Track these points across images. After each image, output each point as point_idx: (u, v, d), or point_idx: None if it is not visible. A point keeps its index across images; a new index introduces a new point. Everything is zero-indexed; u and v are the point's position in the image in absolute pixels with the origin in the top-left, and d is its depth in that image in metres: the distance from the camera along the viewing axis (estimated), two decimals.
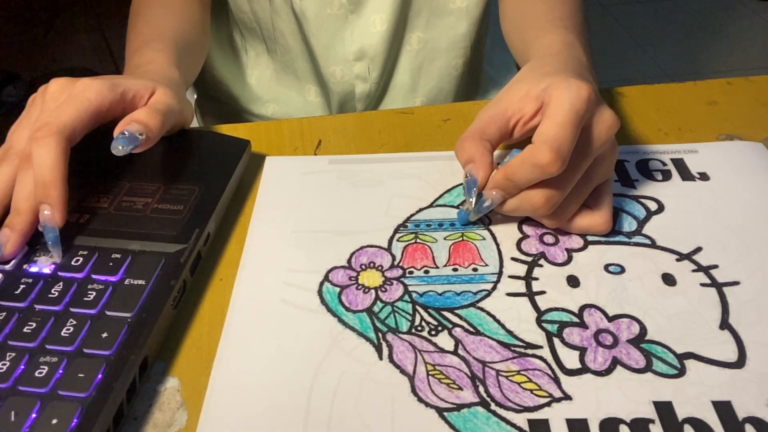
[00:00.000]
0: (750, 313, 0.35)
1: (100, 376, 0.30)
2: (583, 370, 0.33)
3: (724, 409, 0.31)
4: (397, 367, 0.33)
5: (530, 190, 0.36)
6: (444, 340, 0.34)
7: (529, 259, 0.38)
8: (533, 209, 0.37)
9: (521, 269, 0.38)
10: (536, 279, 0.37)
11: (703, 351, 0.33)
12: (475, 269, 0.38)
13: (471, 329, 0.35)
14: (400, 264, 0.38)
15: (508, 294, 0.36)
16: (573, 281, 0.37)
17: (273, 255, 0.39)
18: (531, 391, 0.32)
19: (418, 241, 0.40)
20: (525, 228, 0.40)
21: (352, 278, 0.38)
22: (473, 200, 0.38)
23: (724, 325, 0.34)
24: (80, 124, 0.37)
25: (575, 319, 0.35)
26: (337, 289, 0.37)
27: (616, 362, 0.33)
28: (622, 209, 0.41)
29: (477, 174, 0.37)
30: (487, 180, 0.38)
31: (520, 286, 0.37)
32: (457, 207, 0.42)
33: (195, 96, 0.75)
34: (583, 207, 0.39)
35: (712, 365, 0.33)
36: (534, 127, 0.38)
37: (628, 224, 0.40)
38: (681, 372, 0.32)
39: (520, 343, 0.34)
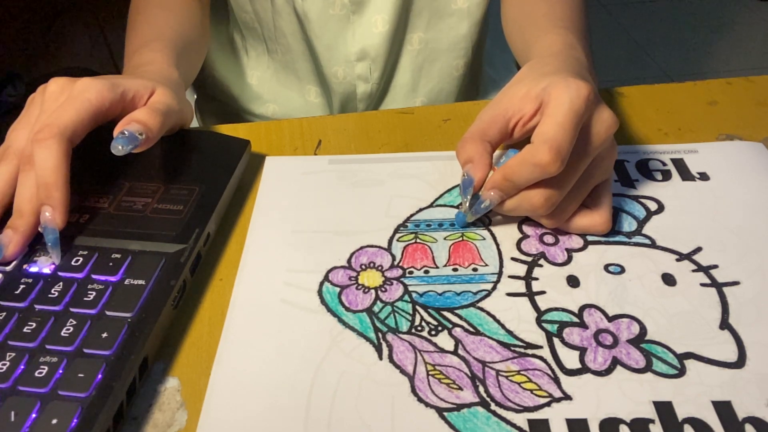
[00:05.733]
0: (750, 313, 0.35)
1: (100, 376, 0.30)
2: (583, 370, 0.33)
3: (724, 409, 0.31)
4: (397, 367, 0.33)
5: (529, 190, 0.36)
6: (444, 340, 0.34)
7: (529, 259, 0.38)
8: (532, 209, 0.37)
9: (521, 269, 0.38)
10: (536, 279, 0.37)
11: (703, 351, 0.33)
12: (475, 269, 0.38)
13: (471, 329, 0.35)
14: (400, 264, 0.38)
15: (508, 294, 0.36)
16: (573, 281, 0.37)
17: (273, 255, 0.39)
18: (531, 391, 0.32)
19: (418, 241, 0.40)
20: (525, 228, 0.40)
21: (352, 278, 0.38)
22: (468, 200, 0.38)
23: (724, 325, 0.34)
24: (81, 124, 0.37)
25: (575, 319, 0.35)
26: (337, 289, 0.37)
27: (616, 362, 0.33)
28: (622, 209, 0.41)
29: (474, 174, 0.37)
30: (484, 180, 0.38)
31: (520, 286, 0.37)
32: (457, 207, 0.42)
33: (195, 96, 0.75)
34: (582, 207, 0.39)
35: (712, 365, 0.33)
36: (534, 127, 0.38)
37: (628, 224, 0.40)
38: (681, 372, 0.32)
39: (520, 343, 0.34)
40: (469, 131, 0.39)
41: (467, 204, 0.38)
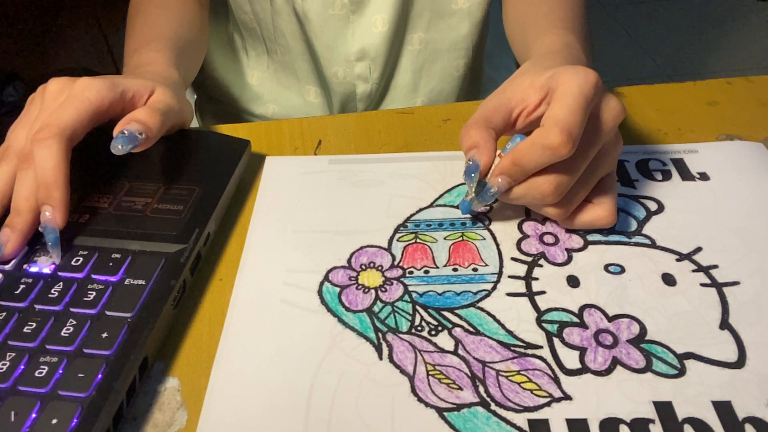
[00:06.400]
0: (750, 313, 0.35)
1: (100, 376, 0.30)
2: (583, 370, 0.33)
3: (724, 409, 0.31)
4: (397, 367, 0.33)
5: (538, 176, 0.36)
6: (444, 340, 0.34)
7: (529, 259, 0.38)
8: (541, 197, 0.36)
9: (521, 269, 0.38)
10: (536, 279, 0.37)
11: (703, 351, 0.33)
12: (475, 269, 0.38)
13: (471, 329, 0.35)
14: (400, 264, 0.38)
15: (508, 294, 0.36)
16: (573, 281, 0.37)
17: (273, 255, 0.39)
18: (531, 391, 0.32)
19: (418, 241, 0.40)
20: (525, 228, 0.40)
21: (352, 278, 0.38)
22: (473, 185, 0.37)
23: (724, 325, 0.34)
24: (81, 124, 0.37)
25: (575, 319, 0.35)
26: (337, 289, 0.37)
27: (616, 362, 0.33)
28: (622, 209, 0.41)
29: (480, 159, 0.36)
30: (489, 166, 0.37)
31: (520, 286, 0.37)
32: (457, 207, 0.42)
33: (195, 96, 0.76)
34: (585, 202, 0.39)
35: (712, 365, 0.33)
36: (538, 117, 0.37)
37: (628, 224, 0.40)
38: (681, 372, 0.32)
39: (520, 343, 0.34)
40: (473, 118, 0.38)
41: (473, 190, 0.37)
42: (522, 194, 0.37)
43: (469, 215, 0.41)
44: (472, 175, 0.37)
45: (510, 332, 0.34)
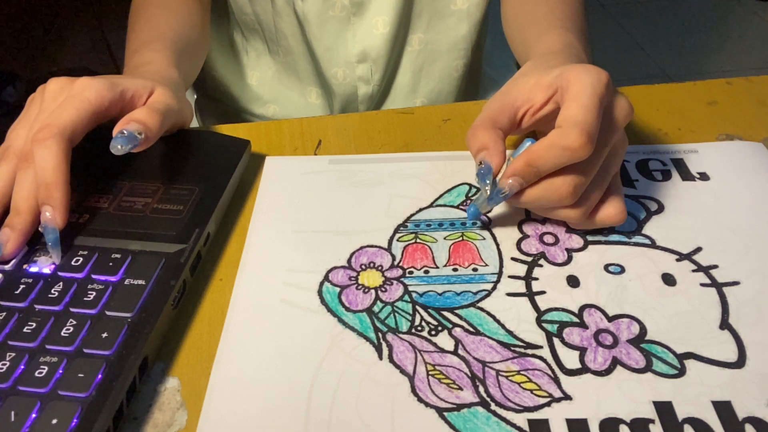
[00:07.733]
0: (750, 313, 0.35)
1: (100, 376, 0.30)
2: (583, 370, 0.33)
3: (724, 409, 0.31)
4: (397, 367, 0.33)
5: (554, 178, 0.35)
6: (444, 340, 0.34)
7: (529, 259, 0.38)
8: (559, 198, 0.36)
9: (521, 269, 0.38)
10: (536, 279, 0.37)
11: (703, 351, 0.33)
12: (475, 269, 0.38)
13: (471, 329, 0.35)
14: (400, 264, 0.38)
15: (508, 294, 0.36)
16: (573, 281, 0.37)
17: (273, 255, 0.39)
18: (531, 391, 0.32)
19: (418, 241, 0.40)
20: (525, 228, 0.40)
21: (352, 278, 0.38)
22: (488, 188, 0.36)
23: (724, 325, 0.34)
24: (80, 124, 0.37)
25: (575, 319, 0.35)
26: (337, 289, 0.37)
27: (616, 362, 0.33)
28: None
29: (491, 161, 0.36)
30: (501, 167, 0.36)
31: (520, 286, 0.37)
32: (457, 207, 0.42)
33: (195, 96, 0.76)
34: None
35: (712, 365, 0.33)
36: (544, 116, 0.37)
37: (628, 224, 0.40)
38: (681, 372, 0.32)
39: (520, 343, 0.34)
40: (479, 119, 0.38)
41: (488, 191, 0.37)
42: (539, 197, 0.36)
43: (477, 221, 0.41)
44: (486, 179, 0.36)
45: (510, 332, 0.34)
